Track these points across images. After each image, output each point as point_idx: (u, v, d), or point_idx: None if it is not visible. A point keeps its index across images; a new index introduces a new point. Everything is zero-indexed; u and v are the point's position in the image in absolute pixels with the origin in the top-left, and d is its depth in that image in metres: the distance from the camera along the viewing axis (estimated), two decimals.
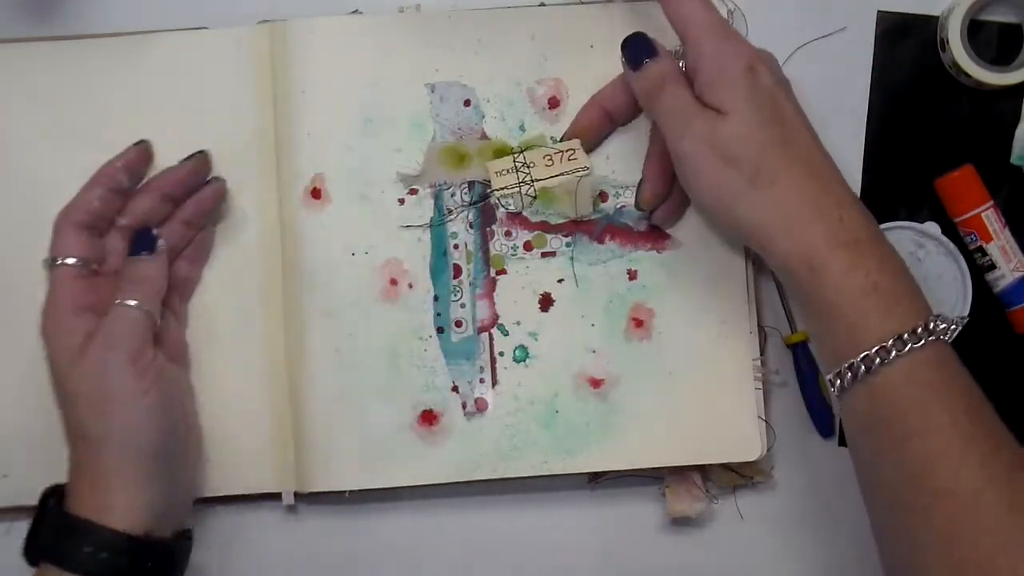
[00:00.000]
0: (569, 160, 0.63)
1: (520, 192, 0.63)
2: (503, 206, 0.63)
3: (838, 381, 0.53)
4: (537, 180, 0.63)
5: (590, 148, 0.63)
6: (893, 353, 0.51)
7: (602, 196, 0.63)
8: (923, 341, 0.51)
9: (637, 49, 0.59)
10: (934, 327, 0.52)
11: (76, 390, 0.57)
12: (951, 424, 0.51)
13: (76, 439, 0.57)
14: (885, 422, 0.52)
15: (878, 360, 0.51)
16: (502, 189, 0.63)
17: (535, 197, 0.63)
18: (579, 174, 0.62)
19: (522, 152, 0.63)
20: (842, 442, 0.65)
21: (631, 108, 0.62)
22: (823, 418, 0.65)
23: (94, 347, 0.57)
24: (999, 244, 0.64)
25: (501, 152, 0.63)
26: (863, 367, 0.52)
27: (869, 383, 0.52)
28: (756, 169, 0.55)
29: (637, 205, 0.63)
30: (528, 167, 0.63)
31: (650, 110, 0.59)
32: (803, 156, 0.55)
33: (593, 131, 0.63)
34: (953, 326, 0.53)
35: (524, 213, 0.63)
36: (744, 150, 0.55)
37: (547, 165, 0.63)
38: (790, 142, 0.55)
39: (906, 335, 0.51)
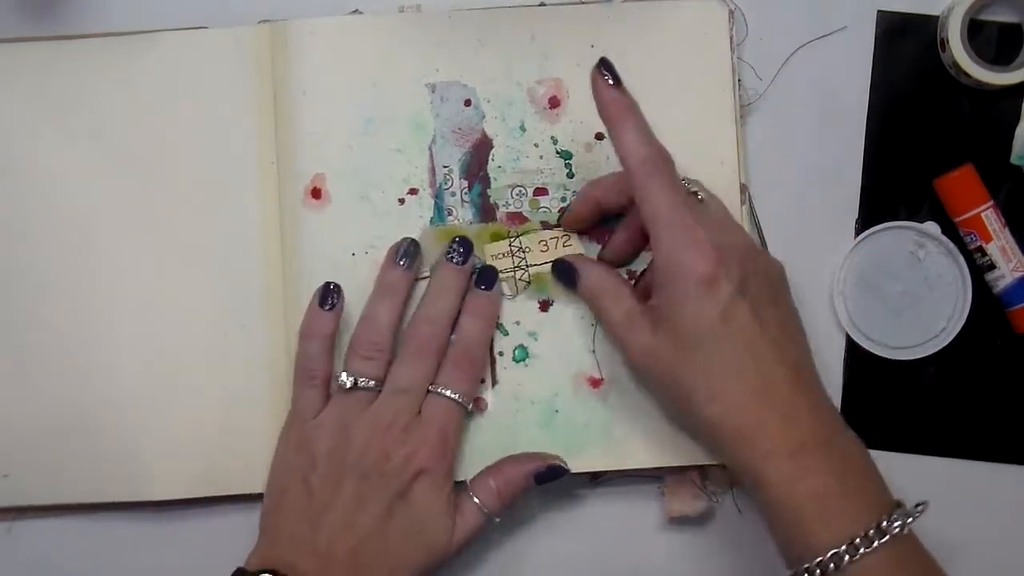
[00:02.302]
0: (564, 246, 0.63)
1: (515, 277, 0.63)
2: (503, 294, 0.63)
3: None
4: (532, 265, 0.63)
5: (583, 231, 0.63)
6: (846, 559, 0.51)
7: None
8: (876, 543, 0.51)
9: (564, 276, 0.61)
10: (888, 525, 0.51)
11: (430, 555, 0.58)
12: None
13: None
14: None
15: (832, 566, 0.51)
16: (498, 271, 0.63)
17: (529, 282, 0.63)
18: None
19: (518, 237, 0.63)
20: None
21: (623, 205, 0.61)
22: None
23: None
24: (999, 244, 0.64)
25: (498, 236, 0.63)
26: (819, 570, 0.51)
27: None
28: (692, 389, 0.55)
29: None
30: (524, 252, 0.63)
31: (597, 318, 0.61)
32: (756, 375, 0.54)
33: (587, 222, 0.63)
34: (909, 519, 0.52)
35: (523, 213, 0.63)
36: (676, 370, 0.55)
37: (542, 251, 0.63)
38: (739, 360, 0.54)
39: (858, 540, 0.51)
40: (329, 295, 0.61)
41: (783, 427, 0.54)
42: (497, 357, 0.63)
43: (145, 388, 0.63)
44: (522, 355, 0.63)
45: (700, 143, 0.60)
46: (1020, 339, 0.65)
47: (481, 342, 0.61)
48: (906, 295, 0.65)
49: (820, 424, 0.54)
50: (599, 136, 0.63)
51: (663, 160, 0.56)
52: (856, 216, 0.66)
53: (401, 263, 0.61)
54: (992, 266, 0.64)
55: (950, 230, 0.65)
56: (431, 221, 0.63)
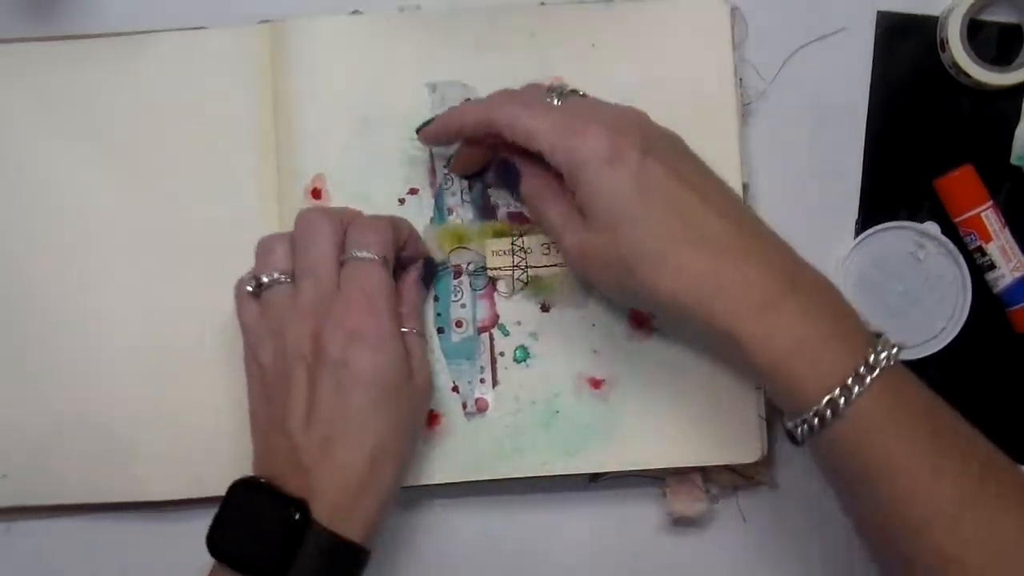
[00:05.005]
0: None
1: (513, 276, 0.63)
2: (498, 291, 0.63)
3: (795, 434, 0.52)
4: (532, 267, 0.63)
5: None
6: (841, 402, 0.50)
7: None
8: (868, 379, 0.50)
9: (507, 175, 0.59)
10: (875, 360, 0.50)
11: (407, 407, 0.57)
12: (913, 456, 0.50)
13: (365, 457, 0.55)
14: (848, 471, 0.52)
15: (829, 413, 0.50)
16: (496, 269, 0.63)
17: (527, 283, 0.63)
18: None
19: (521, 236, 0.63)
20: None
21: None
22: None
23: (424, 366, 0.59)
24: (999, 244, 0.64)
25: (501, 234, 0.63)
26: (816, 419, 0.50)
27: (821, 438, 0.51)
28: (635, 267, 0.53)
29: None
30: (525, 252, 0.63)
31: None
32: (691, 228, 0.52)
33: (478, 165, 0.62)
34: (895, 349, 0.51)
35: (524, 213, 0.63)
36: (615, 254, 0.53)
37: (544, 253, 0.63)
38: (668, 217, 0.52)
39: (850, 380, 0.50)
40: None
41: (743, 284, 0.52)
42: (498, 357, 0.63)
43: (144, 388, 0.63)
44: (523, 355, 0.63)
45: (703, 141, 0.60)
46: (1020, 339, 0.65)
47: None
48: (906, 295, 0.65)
49: (779, 272, 0.52)
50: None
51: (504, 93, 0.58)
52: (856, 216, 0.66)
53: None
54: (992, 266, 0.64)
55: (950, 230, 0.65)
56: (432, 220, 0.63)
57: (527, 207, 0.60)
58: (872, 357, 0.50)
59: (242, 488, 0.55)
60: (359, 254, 0.57)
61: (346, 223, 0.59)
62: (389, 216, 0.60)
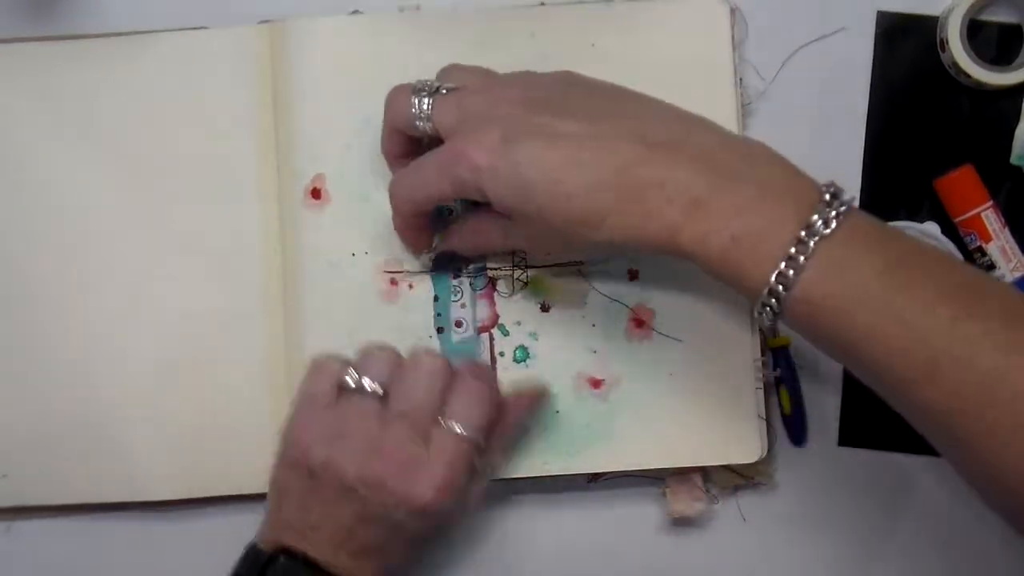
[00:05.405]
0: None
1: (513, 276, 0.63)
2: (498, 291, 0.63)
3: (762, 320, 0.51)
4: (531, 267, 0.63)
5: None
6: (774, 301, 0.49)
7: None
8: (794, 271, 0.48)
9: (457, 261, 0.62)
10: (804, 240, 0.48)
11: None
12: (873, 321, 0.48)
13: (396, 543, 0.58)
14: (823, 345, 0.51)
15: (769, 310, 0.49)
16: (496, 269, 0.63)
17: (527, 283, 0.63)
18: (576, 266, 0.63)
19: None
20: (843, 442, 0.65)
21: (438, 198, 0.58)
22: (795, 426, 0.65)
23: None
24: (999, 244, 0.64)
25: None
26: (767, 315, 0.50)
27: (786, 319, 0.50)
28: (568, 229, 0.52)
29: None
30: (525, 252, 0.63)
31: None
32: (589, 176, 0.51)
33: (417, 225, 0.62)
34: (831, 215, 0.48)
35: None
36: (551, 231, 0.53)
37: (544, 253, 0.63)
38: (563, 179, 0.51)
39: (774, 279, 0.48)
40: None
41: (664, 199, 0.50)
42: (498, 357, 0.63)
43: (144, 388, 0.63)
44: (522, 355, 0.63)
45: None
46: None
47: (489, 367, 0.61)
48: None
49: (701, 165, 0.50)
50: None
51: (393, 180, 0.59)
52: None
53: None
54: (992, 266, 0.64)
55: (950, 230, 0.65)
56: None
57: (490, 253, 0.63)
58: (804, 232, 0.48)
59: (290, 563, 0.56)
60: (457, 428, 0.56)
61: (456, 373, 0.57)
62: (496, 387, 0.59)
